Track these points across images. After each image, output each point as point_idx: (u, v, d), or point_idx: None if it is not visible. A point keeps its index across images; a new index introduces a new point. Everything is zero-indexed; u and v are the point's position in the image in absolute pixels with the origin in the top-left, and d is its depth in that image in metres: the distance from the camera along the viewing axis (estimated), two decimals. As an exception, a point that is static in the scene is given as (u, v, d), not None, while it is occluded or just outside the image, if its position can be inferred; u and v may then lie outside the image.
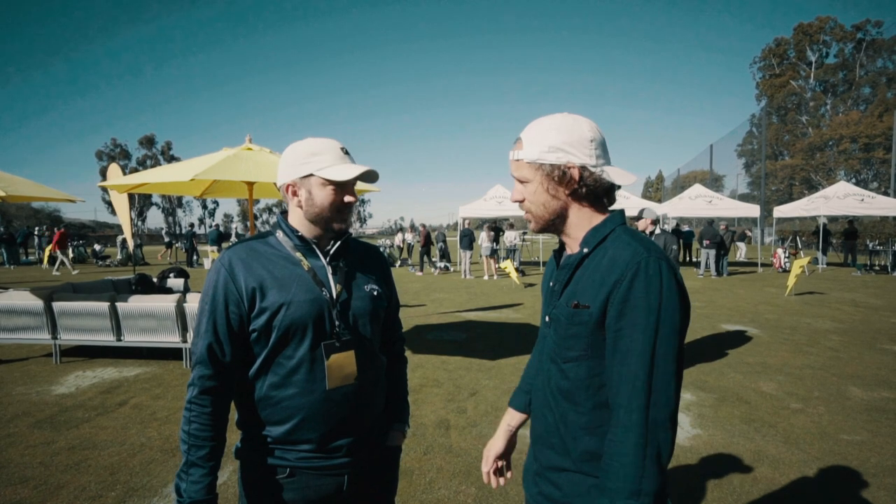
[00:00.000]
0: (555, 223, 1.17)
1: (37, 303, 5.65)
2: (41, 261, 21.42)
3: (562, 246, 1.24)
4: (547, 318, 1.19)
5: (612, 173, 1.13)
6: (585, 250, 1.11)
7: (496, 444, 1.40)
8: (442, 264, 18.28)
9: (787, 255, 17.08)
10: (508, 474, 1.44)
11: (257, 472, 1.31)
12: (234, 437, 1.34)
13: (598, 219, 1.15)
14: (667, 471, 1.00)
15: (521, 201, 1.19)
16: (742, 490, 2.96)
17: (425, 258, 17.98)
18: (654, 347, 0.99)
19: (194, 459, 1.22)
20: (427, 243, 18.00)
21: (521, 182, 1.17)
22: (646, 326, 0.99)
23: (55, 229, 23.68)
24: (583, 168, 1.11)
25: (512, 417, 1.42)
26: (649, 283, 1.00)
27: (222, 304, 1.25)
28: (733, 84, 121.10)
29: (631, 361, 1.00)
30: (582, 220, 1.15)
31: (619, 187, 1.18)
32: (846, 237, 18.03)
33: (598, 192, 1.14)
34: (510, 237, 16.72)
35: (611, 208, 1.20)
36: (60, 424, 3.97)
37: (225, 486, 2.97)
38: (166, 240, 27.14)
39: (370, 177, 1.34)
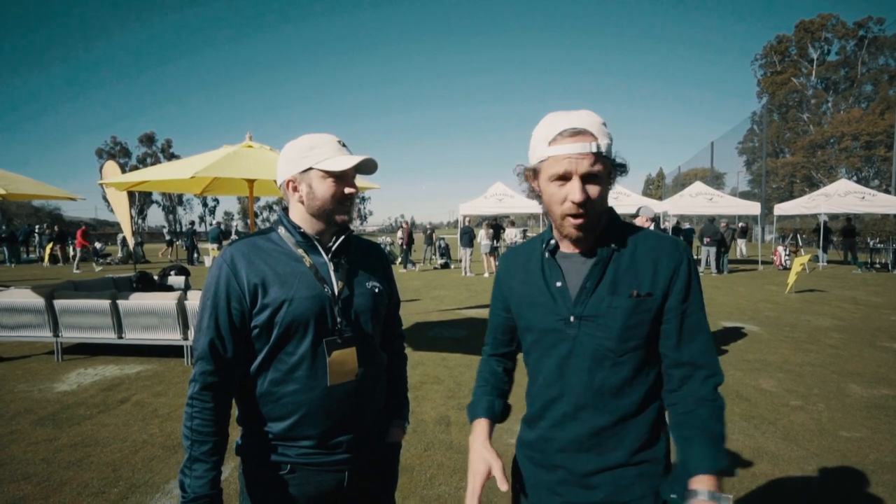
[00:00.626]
0: (600, 220, 1.14)
1: (38, 301, 5.66)
2: (42, 259, 21.44)
3: (555, 245, 1.19)
4: (572, 319, 1.13)
5: None
6: (614, 245, 1.14)
7: (484, 466, 1.12)
8: (442, 261, 18.31)
9: (787, 252, 17.07)
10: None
11: (258, 469, 1.31)
12: (234, 433, 1.35)
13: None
14: None
15: (587, 200, 1.06)
16: (741, 486, 2.97)
17: (409, 255, 18.01)
18: (707, 321, 1.16)
19: (197, 455, 1.22)
20: (410, 241, 18.05)
21: (595, 177, 1.06)
22: (701, 305, 1.15)
23: (56, 228, 23.71)
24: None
25: (487, 429, 1.22)
26: (694, 267, 1.15)
27: (224, 299, 1.25)
28: (734, 81, 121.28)
29: (702, 335, 1.14)
30: (603, 217, 1.16)
31: None
32: (844, 235, 18.01)
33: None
34: (510, 235, 16.72)
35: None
36: (62, 421, 3.98)
37: (227, 483, 2.98)
38: (167, 238, 27.15)
39: (369, 166, 1.35)
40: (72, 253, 18.15)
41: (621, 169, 1.14)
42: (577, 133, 1.05)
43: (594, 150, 1.04)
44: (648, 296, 1.10)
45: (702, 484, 1.00)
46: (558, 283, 1.16)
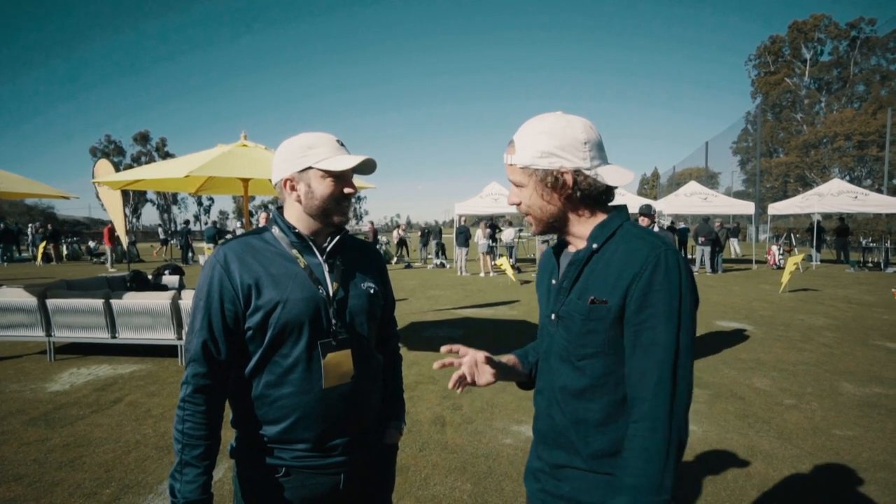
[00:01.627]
0: (555, 225, 1.16)
1: (30, 300, 5.61)
2: (35, 258, 21.29)
3: (562, 243, 1.22)
4: (553, 317, 1.15)
5: (608, 174, 1.11)
6: (595, 246, 1.10)
7: (472, 353, 1.22)
8: (438, 261, 18.29)
9: (781, 252, 17.18)
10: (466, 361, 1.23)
11: (253, 472, 1.30)
12: (228, 435, 1.34)
13: (600, 216, 1.14)
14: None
15: (519, 204, 1.17)
16: (736, 485, 2.98)
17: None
18: (678, 339, 1.00)
19: (188, 459, 1.21)
20: (375, 240, 18.10)
21: (517, 186, 1.16)
22: (668, 318, 0.99)
23: (49, 226, 23.52)
24: (576, 172, 1.09)
25: (506, 357, 1.32)
26: (669, 275, 1.00)
27: (217, 300, 1.24)
28: (729, 81, 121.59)
29: (655, 353, 0.99)
30: (583, 221, 1.14)
31: (616, 188, 1.15)
32: (837, 234, 18.16)
33: (594, 195, 1.12)
34: (507, 234, 16.73)
35: (611, 204, 1.18)
36: (55, 422, 3.95)
37: (220, 483, 2.97)
38: (161, 237, 27.00)
39: (368, 166, 1.34)
40: (111, 252, 18.08)
41: (558, 176, 1.08)
42: (508, 144, 1.16)
43: (507, 161, 1.15)
44: (603, 303, 1.04)
45: None
46: (553, 280, 1.19)
